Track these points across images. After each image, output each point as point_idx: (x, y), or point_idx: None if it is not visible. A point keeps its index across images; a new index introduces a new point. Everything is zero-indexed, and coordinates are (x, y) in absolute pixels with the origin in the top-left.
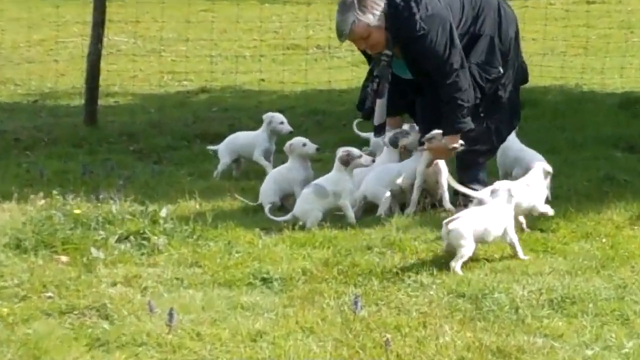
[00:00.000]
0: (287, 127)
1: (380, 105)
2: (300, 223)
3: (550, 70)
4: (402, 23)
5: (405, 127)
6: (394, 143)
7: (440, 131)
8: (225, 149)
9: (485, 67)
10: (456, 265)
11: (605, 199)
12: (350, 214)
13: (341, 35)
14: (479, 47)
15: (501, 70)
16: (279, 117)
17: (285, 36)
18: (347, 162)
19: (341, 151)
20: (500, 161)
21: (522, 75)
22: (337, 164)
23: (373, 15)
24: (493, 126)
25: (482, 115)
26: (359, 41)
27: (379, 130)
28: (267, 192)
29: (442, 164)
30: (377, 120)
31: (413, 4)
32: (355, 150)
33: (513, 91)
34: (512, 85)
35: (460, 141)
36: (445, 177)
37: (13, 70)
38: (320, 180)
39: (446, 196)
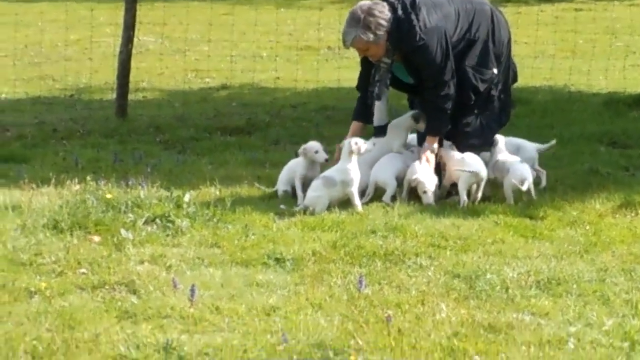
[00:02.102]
0: (322, 155)
1: (378, 107)
2: (311, 209)
3: (540, 71)
4: (403, 35)
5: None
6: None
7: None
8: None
9: (480, 69)
10: None
11: (589, 190)
12: (357, 202)
13: (344, 43)
14: (474, 51)
15: (495, 71)
16: (312, 146)
17: (299, 38)
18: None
19: (351, 142)
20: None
21: (512, 75)
22: (344, 154)
23: (375, 34)
24: (485, 122)
25: (476, 112)
26: (358, 50)
27: (380, 131)
28: (282, 180)
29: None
30: (376, 121)
31: (413, 17)
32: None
33: (503, 90)
34: (503, 84)
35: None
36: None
37: (51, 67)
38: (329, 171)
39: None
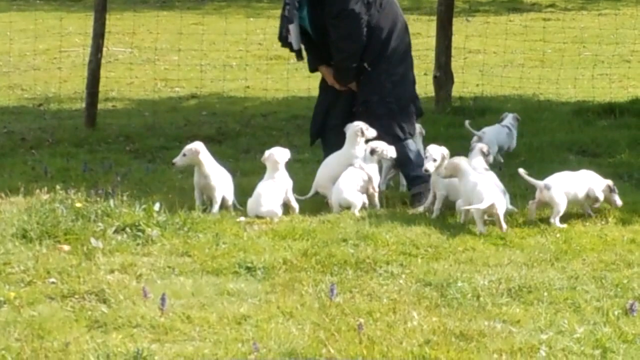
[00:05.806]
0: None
1: (293, 29)
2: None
3: (509, 80)
4: None
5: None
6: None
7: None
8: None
9: None
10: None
11: None
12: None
13: None
14: None
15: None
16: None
17: (269, 47)
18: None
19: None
20: None
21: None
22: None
23: None
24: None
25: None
26: None
27: (299, 55)
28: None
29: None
30: (295, 44)
31: None
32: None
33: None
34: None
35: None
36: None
37: (20, 76)
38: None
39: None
